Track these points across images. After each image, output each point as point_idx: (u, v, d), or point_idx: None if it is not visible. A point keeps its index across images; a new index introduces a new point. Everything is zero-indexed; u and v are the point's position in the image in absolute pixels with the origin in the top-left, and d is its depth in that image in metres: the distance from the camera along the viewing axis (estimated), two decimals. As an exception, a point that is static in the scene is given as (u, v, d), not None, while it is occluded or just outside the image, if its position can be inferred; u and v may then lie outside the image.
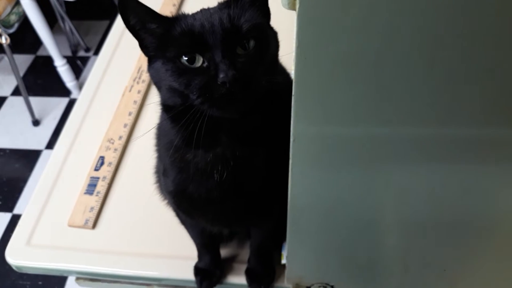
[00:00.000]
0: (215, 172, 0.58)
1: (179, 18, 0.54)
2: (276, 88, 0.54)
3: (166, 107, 0.57)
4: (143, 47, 0.56)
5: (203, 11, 0.56)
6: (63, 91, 2.18)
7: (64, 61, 2.07)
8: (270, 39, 0.56)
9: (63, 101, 2.18)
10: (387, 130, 0.47)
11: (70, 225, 0.87)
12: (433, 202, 0.55)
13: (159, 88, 0.56)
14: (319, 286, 0.70)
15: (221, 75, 0.49)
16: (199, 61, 0.52)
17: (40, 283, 1.61)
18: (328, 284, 0.70)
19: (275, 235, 0.75)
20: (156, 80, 0.56)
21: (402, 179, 0.53)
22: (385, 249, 0.65)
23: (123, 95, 1.06)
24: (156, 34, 0.54)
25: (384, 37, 0.39)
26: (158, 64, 0.54)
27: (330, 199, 0.56)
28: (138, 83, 1.09)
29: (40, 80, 2.28)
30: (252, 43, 0.53)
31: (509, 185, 0.52)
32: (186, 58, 0.52)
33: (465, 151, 0.49)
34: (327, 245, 0.65)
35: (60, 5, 2.18)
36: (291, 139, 0.49)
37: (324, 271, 0.69)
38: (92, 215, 0.87)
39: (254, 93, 0.52)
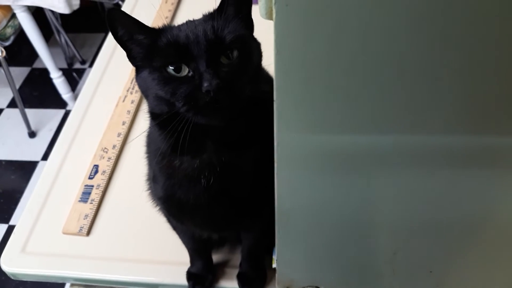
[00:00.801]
0: (202, 177, 0.59)
1: (165, 29, 0.56)
2: (261, 96, 0.56)
3: (153, 115, 0.59)
4: (131, 57, 0.58)
5: (188, 23, 0.58)
6: (59, 103, 2.20)
7: (60, 73, 2.08)
8: (253, 49, 0.58)
9: (59, 113, 2.19)
10: (368, 136, 0.48)
11: (64, 233, 0.87)
12: (418, 206, 0.56)
13: (146, 97, 0.58)
14: (310, 289, 0.71)
15: (205, 84, 0.51)
16: (185, 71, 0.53)
17: (36, 293, 1.61)
18: (319, 287, 0.71)
19: (266, 239, 0.75)
20: (143, 89, 0.57)
21: (386, 183, 0.54)
22: (372, 251, 0.65)
23: (117, 105, 1.08)
24: (143, 45, 0.56)
25: (357, 45, 0.40)
26: (145, 73, 0.55)
27: (317, 202, 0.57)
28: (131, 93, 1.10)
29: (36, 92, 2.29)
30: (235, 53, 0.54)
31: (493, 188, 0.53)
32: (172, 68, 0.53)
33: (448, 156, 0.49)
34: (316, 248, 0.65)
35: (56, 18, 2.19)
36: (275, 143, 0.49)
37: (314, 274, 0.69)
38: (87, 223, 0.88)
39: (238, 101, 0.54)
